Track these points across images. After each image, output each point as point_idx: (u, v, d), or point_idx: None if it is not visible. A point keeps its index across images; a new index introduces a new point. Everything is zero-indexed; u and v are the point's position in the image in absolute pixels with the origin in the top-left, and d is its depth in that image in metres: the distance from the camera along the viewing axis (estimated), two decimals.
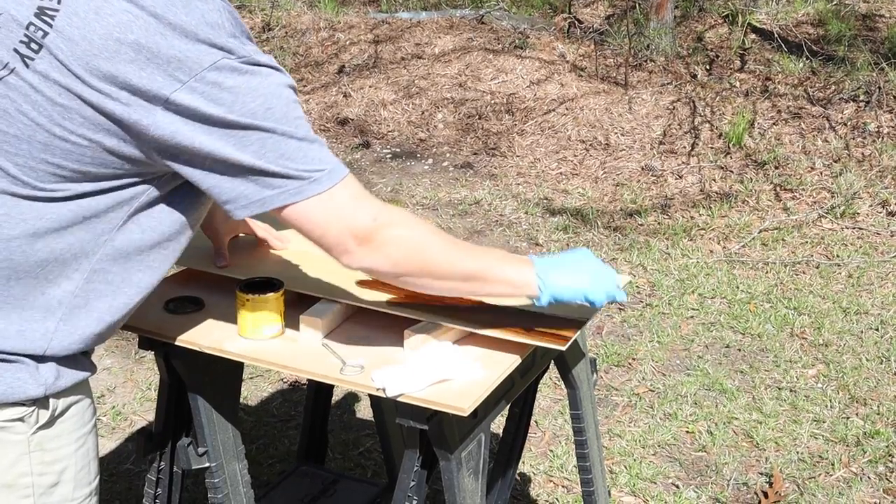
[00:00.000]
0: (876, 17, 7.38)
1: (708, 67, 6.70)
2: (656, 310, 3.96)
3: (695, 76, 6.56)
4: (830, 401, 3.27)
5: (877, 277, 4.28)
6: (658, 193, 5.33)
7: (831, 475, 2.87)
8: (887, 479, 2.85)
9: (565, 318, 1.62)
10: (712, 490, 2.80)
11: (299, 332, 1.64)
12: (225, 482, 1.80)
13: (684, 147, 5.78)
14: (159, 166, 1.30)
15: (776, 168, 5.43)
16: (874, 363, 3.53)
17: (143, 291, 1.40)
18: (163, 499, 1.94)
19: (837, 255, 4.52)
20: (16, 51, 1.25)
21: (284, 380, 3.38)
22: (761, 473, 2.88)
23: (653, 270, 4.36)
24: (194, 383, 1.74)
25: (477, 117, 6.36)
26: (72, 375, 1.36)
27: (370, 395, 2.18)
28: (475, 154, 6.00)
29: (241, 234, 1.93)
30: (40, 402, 1.33)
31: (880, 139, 5.55)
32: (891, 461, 2.93)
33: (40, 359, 1.32)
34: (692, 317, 3.91)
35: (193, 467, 1.88)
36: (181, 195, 1.37)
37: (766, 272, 4.36)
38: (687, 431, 3.10)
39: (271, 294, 1.62)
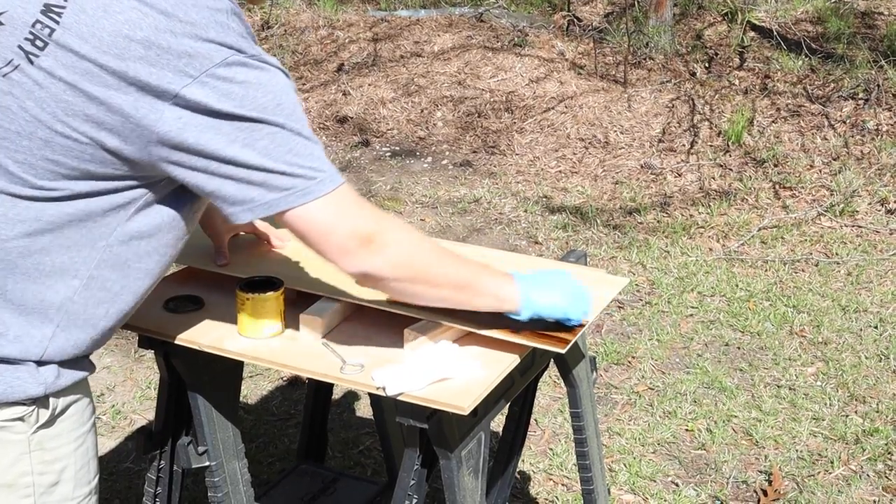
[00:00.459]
0: (875, 15, 7.37)
1: (707, 65, 6.70)
2: (656, 308, 3.96)
3: (694, 74, 6.56)
4: (830, 399, 3.27)
5: (876, 275, 4.28)
6: (657, 191, 5.32)
7: (830, 473, 2.87)
8: (886, 477, 2.85)
9: None
10: (712, 488, 2.81)
11: (299, 331, 1.65)
12: (225, 481, 1.81)
13: (683, 145, 5.78)
14: (158, 171, 1.28)
15: (775, 166, 5.43)
16: (873, 361, 3.53)
17: (140, 296, 1.40)
18: (163, 497, 1.94)
19: (836, 253, 4.52)
20: (20, 48, 1.25)
21: (284, 378, 3.38)
22: (761, 471, 2.89)
23: (652, 268, 4.36)
24: (194, 382, 1.74)
25: (476, 115, 6.35)
26: (71, 374, 1.36)
27: (370, 394, 2.18)
28: (474, 152, 6.00)
29: (241, 233, 1.93)
30: (40, 401, 1.33)
31: (879, 137, 5.55)
32: (890, 459, 2.93)
33: (39, 362, 1.32)
34: (691, 315, 3.91)
35: (193, 466, 1.88)
36: (178, 199, 1.36)
37: (766, 270, 4.36)
38: (686, 429, 3.10)
39: (271, 293, 1.62)
